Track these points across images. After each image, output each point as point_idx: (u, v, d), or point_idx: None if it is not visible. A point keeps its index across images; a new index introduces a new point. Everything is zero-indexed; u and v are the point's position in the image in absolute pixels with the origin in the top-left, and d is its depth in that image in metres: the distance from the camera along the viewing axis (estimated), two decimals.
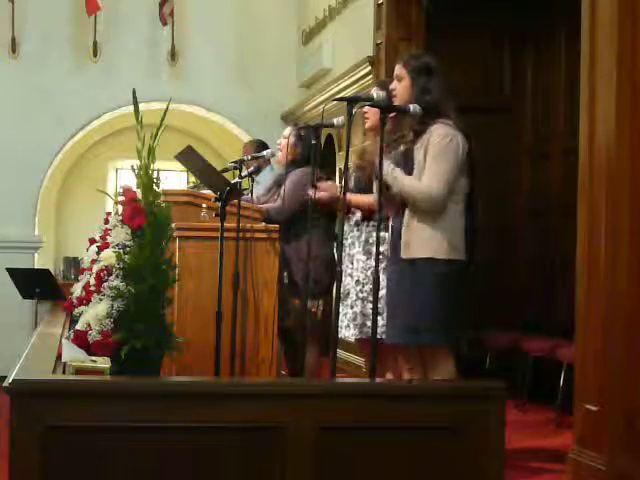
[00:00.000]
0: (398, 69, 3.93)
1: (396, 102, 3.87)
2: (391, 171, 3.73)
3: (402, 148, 3.90)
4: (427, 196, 3.70)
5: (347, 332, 4.30)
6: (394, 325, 3.83)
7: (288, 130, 5.29)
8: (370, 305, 4.16)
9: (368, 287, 4.24)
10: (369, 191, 4.15)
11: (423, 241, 3.72)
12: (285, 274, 4.92)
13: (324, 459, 2.77)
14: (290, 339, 5.17)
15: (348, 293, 4.31)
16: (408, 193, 3.74)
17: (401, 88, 3.90)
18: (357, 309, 4.28)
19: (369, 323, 4.16)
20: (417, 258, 3.73)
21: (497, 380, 3.01)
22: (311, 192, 4.29)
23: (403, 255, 3.75)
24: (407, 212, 3.78)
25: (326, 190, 4.43)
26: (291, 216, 4.87)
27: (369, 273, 4.25)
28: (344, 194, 3.75)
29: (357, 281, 4.31)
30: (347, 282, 4.31)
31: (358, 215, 4.37)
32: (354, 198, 4.27)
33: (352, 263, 4.35)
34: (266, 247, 4.74)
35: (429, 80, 3.84)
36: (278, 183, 5.37)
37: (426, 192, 3.70)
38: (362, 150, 4.43)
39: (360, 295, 4.29)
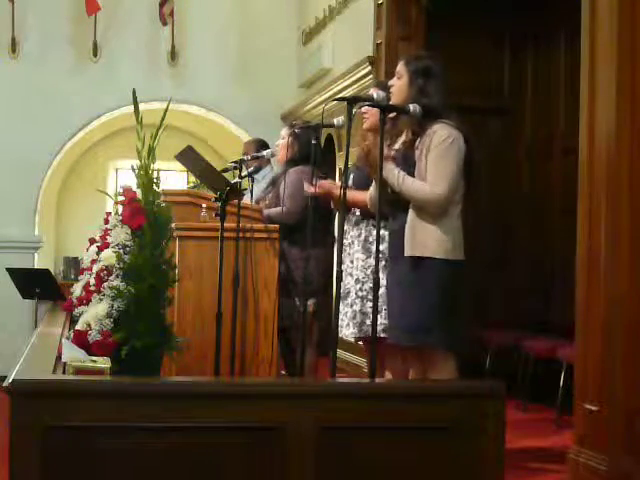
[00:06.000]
0: (400, 66, 3.93)
1: (392, 99, 3.87)
2: (397, 175, 3.72)
3: (399, 147, 3.89)
4: (432, 198, 3.68)
5: (347, 331, 4.30)
6: (396, 325, 3.82)
7: (285, 130, 5.31)
8: (369, 304, 4.17)
9: (367, 286, 4.24)
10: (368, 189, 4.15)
11: (427, 241, 3.71)
12: (283, 269, 4.91)
13: (324, 459, 2.77)
14: (287, 339, 5.17)
15: (348, 292, 4.31)
16: (413, 196, 3.72)
17: (398, 86, 3.89)
18: (356, 308, 4.28)
19: (368, 322, 4.17)
20: (420, 257, 3.71)
21: (497, 380, 3.01)
22: (309, 189, 4.28)
23: (407, 253, 3.73)
24: (411, 212, 3.76)
25: (323, 187, 4.43)
26: (300, 218, 4.87)
27: (368, 272, 4.25)
28: (344, 194, 3.75)
29: (357, 280, 4.31)
30: (347, 281, 4.31)
31: (357, 214, 4.37)
32: (349, 195, 4.23)
33: (352, 262, 4.35)
34: (266, 247, 4.74)
35: (427, 82, 3.81)
36: (274, 182, 5.38)
37: (430, 194, 3.68)
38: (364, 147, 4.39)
39: (359, 294, 4.29)
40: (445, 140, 3.71)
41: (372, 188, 3.98)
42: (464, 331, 3.80)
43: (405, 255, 3.73)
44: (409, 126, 3.83)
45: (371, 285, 4.14)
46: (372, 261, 4.18)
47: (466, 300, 3.84)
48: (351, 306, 4.30)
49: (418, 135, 3.79)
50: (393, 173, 3.71)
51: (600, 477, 4.10)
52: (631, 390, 4.11)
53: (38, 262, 9.47)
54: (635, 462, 4.06)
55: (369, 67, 7.31)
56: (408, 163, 3.80)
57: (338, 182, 4.50)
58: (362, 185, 4.24)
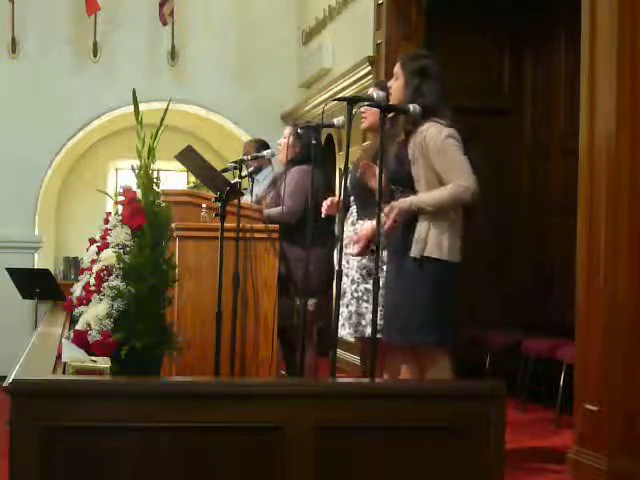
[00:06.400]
0: (397, 67, 3.93)
1: (390, 100, 3.87)
2: (413, 202, 3.69)
3: (393, 148, 3.88)
4: (467, 193, 3.67)
5: (342, 331, 4.29)
6: (392, 324, 3.83)
7: (288, 130, 5.32)
8: (365, 304, 4.18)
9: (362, 286, 4.24)
10: (367, 192, 4.14)
11: (430, 242, 3.70)
12: (282, 269, 4.90)
13: (324, 459, 2.77)
14: (287, 339, 5.17)
15: (344, 292, 4.31)
16: (450, 205, 3.69)
17: (396, 87, 3.89)
18: (352, 308, 4.28)
19: (364, 322, 4.18)
20: (420, 258, 3.71)
21: (497, 380, 3.01)
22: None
23: (411, 254, 3.72)
24: (424, 218, 3.72)
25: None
26: (300, 217, 4.87)
27: (364, 272, 4.25)
28: (343, 194, 3.75)
29: (352, 280, 4.31)
30: (343, 281, 4.30)
31: (354, 215, 4.37)
32: (364, 235, 4.11)
33: (347, 262, 4.34)
34: (266, 247, 4.74)
35: (423, 82, 3.80)
36: (275, 182, 5.38)
37: (464, 191, 3.66)
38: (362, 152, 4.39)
39: (355, 294, 4.29)
40: (439, 136, 3.70)
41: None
42: (458, 330, 3.80)
43: (411, 256, 3.72)
44: (403, 126, 3.82)
45: (366, 286, 4.17)
46: (367, 262, 4.19)
47: (461, 300, 3.84)
48: (347, 307, 4.30)
49: (409, 135, 3.78)
50: (418, 204, 3.69)
51: (600, 477, 4.10)
52: (631, 390, 4.11)
53: (38, 262, 9.47)
54: (635, 462, 4.06)
55: (369, 67, 7.31)
56: (402, 163, 3.79)
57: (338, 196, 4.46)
58: (360, 185, 4.24)
